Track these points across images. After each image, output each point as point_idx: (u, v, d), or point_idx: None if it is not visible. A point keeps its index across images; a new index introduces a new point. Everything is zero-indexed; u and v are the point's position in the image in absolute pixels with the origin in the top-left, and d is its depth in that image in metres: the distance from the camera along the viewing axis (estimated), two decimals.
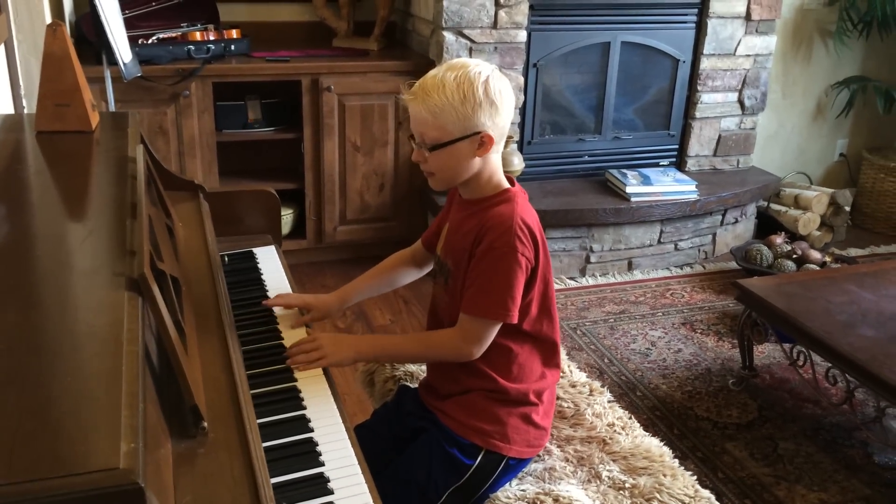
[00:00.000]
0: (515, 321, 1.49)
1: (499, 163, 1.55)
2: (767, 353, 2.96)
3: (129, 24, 3.11)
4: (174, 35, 3.29)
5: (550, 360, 1.61)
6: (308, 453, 1.27)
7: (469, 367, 1.55)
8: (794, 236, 3.76)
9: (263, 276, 1.86)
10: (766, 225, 3.97)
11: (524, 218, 1.49)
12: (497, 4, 3.34)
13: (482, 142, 1.47)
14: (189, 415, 1.08)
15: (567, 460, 1.60)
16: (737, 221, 3.87)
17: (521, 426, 1.56)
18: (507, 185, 1.55)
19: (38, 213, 1.29)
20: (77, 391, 0.82)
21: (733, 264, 3.67)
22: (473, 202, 1.55)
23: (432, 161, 1.50)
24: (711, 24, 3.68)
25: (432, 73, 1.49)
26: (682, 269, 3.71)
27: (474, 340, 1.51)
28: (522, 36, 3.43)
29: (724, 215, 3.79)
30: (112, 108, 2.85)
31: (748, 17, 3.73)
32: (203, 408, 1.09)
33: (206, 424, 1.07)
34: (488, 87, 1.45)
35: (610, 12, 3.55)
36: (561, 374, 1.86)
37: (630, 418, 1.73)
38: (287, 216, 3.50)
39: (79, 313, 0.98)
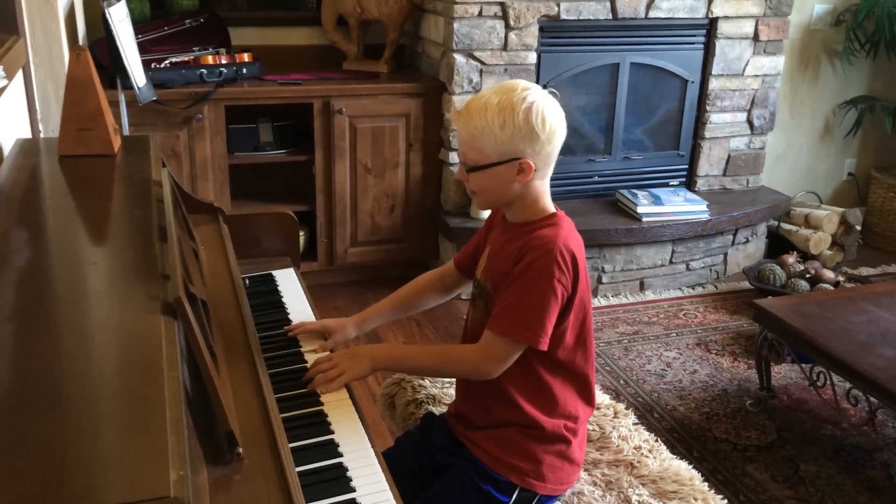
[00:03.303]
0: (544, 348, 1.45)
1: (544, 188, 1.51)
2: (784, 373, 2.94)
3: (142, 48, 3.12)
4: (187, 59, 3.31)
5: (584, 394, 1.57)
6: (339, 479, 1.26)
7: (501, 396, 1.52)
8: (805, 256, 3.75)
9: (284, 299, 1.85)
10: (777, 244, 3.96)
11: (568, 244, 1.46)
12: (507, 26, 3.36)
13: (521, 168, 1.45)
14: (224, 440, 1.06)
15: (595, 484, 1.58)
16: (748, 241, 3.87)
17: (556, 464, 1.52)
18: (552, 209, 1.53)
19: (66, 238, 1.28)
20: (122, 417, 0.81)
21: (745, 284, 3.66)
22: (518, 225, 1.53)
23: (473, 181, 1.50)
24: (720, 44, 3.70)
25: (481, 93, 1.48)
26: (693, 289, 3.69)
27: (494, 359, 1.47)
28: (532, 58, 3.44)
29: (735, 235, 3.78)
30: (126, 131, 2.86)
31: (756, 37, 3.75)
32: (237, 433, 1.08)
33: (241, 450, 1.06)
34: (529, 115, 1.41)
35: (619, 34, 3.57)
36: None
37: (656, 441, 1.71)
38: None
39: (116, 339, 0.97)
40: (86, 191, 1.51)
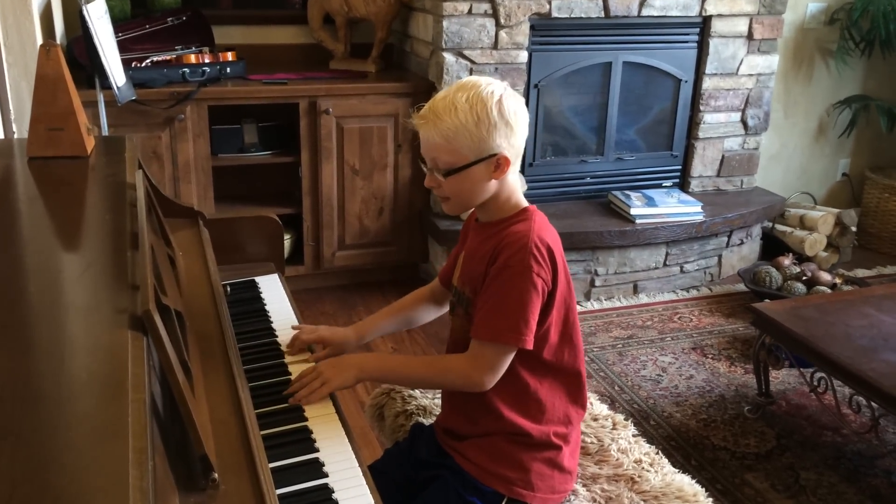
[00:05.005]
0: (530, 347, 1.39)
1: (516, 183, 1.48)
2: (782, 378, 2.87)
3: (123, 46, 3.03)
4: (168, 58, 3.22)
5: (576, 396, 1.51)
6: (324, 501, 1.18)
7: (487, 406, 1.45)
8: (801, 257, 3.69)
9: (267, 307, 1.77)
10: (772, 246, 3.90)
11: (542, 236, 1.41)
12: (498, 25, 3.29)
13: (498, 164, 1.41)
14: (198, 465, 0.98)
15: (594, 501, 1.50)
16: (742, 243, 3.81)
17: (545, 472, 1.46)
18: (525, 204, 1.48)
19: (31, 245, 1.20)
20: (79, 447, 0.73)
21: (740, 286, 3.60)
22: (491, 224, 1.48)
23: (447, 186, 1.44)
24: (713, 43, 3.64)
25: (441, 94, 1.43)
26: (688, 291, 3.63)
27: (486, 368, 1.41)
28: (523, 56, 3.37)
29: (729, 237, 3.72)
30: (105, 132, 2.77)
31: (750, 36, 3.69)
32: (213, 457, 1.00)
33: (216, 476, 0.98)
34: (502, 107, 1.39)
35: (611, 32, 3.50)
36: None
37: (657, 453, 1.64)
38: (284, 242, 3.41)
39: (78, 356, 0.89)
40: (55, 194, 1.43)
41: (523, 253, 1.38)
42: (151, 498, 0.69)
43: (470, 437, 1.49)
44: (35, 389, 0.80)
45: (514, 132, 1.40)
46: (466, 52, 3.29)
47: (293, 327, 1.64)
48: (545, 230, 1.44)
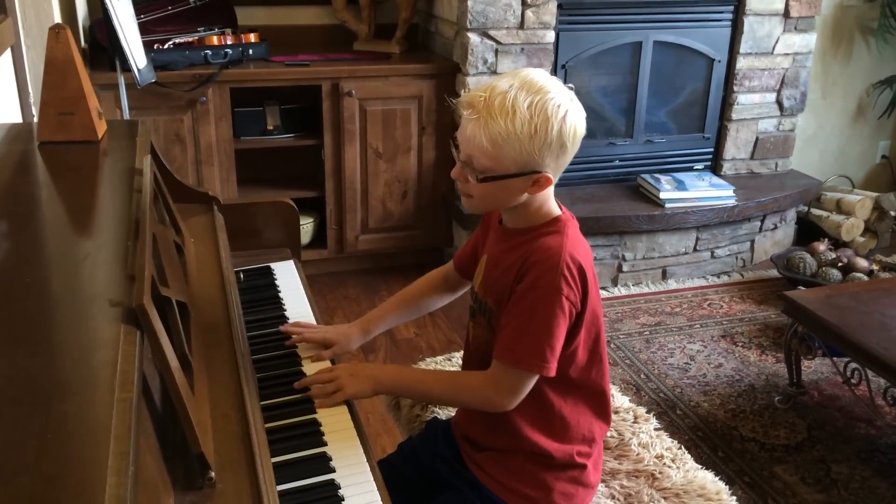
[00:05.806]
0: (553, 374, 1.31)
1: (550, 192, 1.34)
2: (814, 367, 2.79)
3: (145, 28, 3.01)
4: (191, 40, 3.19)
5: (600, 412, 1.43)
6: (329, 498, 1.15)
7: (508, 423, 1.38)
8: (836, 243, 3.58)
9: (281, 294, 1.74)
10: (807, 231, 3.80)
11: (574, 254, 1.29)
12: (524, 4, 3.21)
13: (538, 181, 1.28)
14: (195, 462, 0.95)
15: (613, 497, 1.46)
16: (776, 227, 3.70)
17: (568, 490, 1.39)
18: (558, 212, 1.36)
19: (30, 233, 1.17)
20: (57, 452, 0.69)
21: (773, 272, 3.51)
22: (517, 232, 1.37)
23: (476, 188, 1.31)
24: (748, 21, 3.52)
25: (501, 87, 1.25)
26: (719, 277, 3.54)
27: (507, 392, 1.33)
28: (550, 36, 3.29)
29: (762, 221, 3.62)
30: (126, 115, 2.75)
31: (787, 14, 3.56)
32: (210, 454, 0.97)
33: (213, 474, 0.95)
34: (564, 127, 1.24)
35: (642, 11, 3.40)
36: None
37: (680, 448, 1.59)
38: (307, 225, 3.39)
39: (66, 353, 0.85)
40: (61, 180, 1.41)
41: (553, 274, 1.27)
42: None
43: (490, 449, 1.42)
44: (16, 389, 0.77)
45: (566, 154, 1.28)
46: (492, 33, 3.22)
47: (290, 330, 1.57)
48: (577, 246, 1.32)
